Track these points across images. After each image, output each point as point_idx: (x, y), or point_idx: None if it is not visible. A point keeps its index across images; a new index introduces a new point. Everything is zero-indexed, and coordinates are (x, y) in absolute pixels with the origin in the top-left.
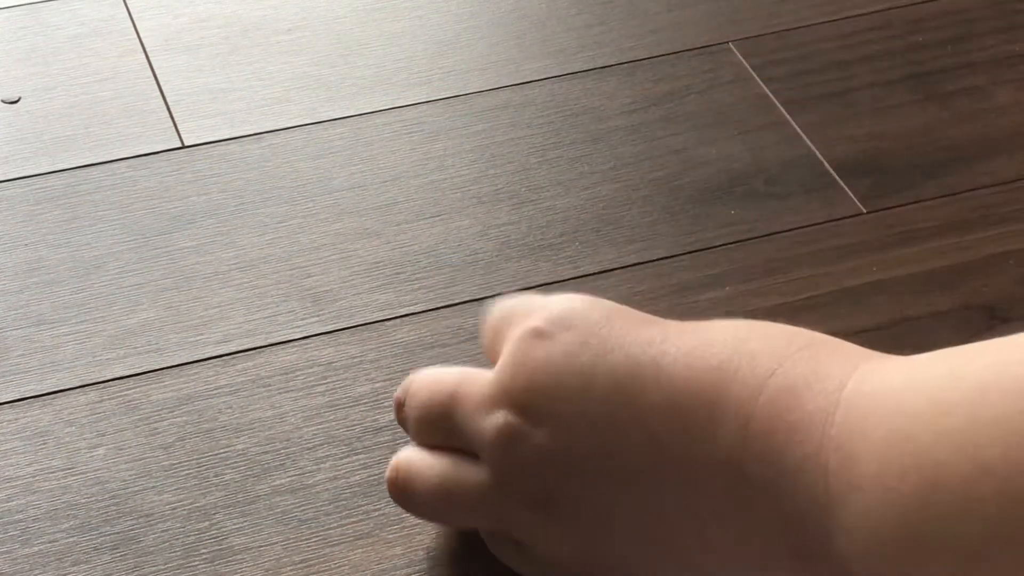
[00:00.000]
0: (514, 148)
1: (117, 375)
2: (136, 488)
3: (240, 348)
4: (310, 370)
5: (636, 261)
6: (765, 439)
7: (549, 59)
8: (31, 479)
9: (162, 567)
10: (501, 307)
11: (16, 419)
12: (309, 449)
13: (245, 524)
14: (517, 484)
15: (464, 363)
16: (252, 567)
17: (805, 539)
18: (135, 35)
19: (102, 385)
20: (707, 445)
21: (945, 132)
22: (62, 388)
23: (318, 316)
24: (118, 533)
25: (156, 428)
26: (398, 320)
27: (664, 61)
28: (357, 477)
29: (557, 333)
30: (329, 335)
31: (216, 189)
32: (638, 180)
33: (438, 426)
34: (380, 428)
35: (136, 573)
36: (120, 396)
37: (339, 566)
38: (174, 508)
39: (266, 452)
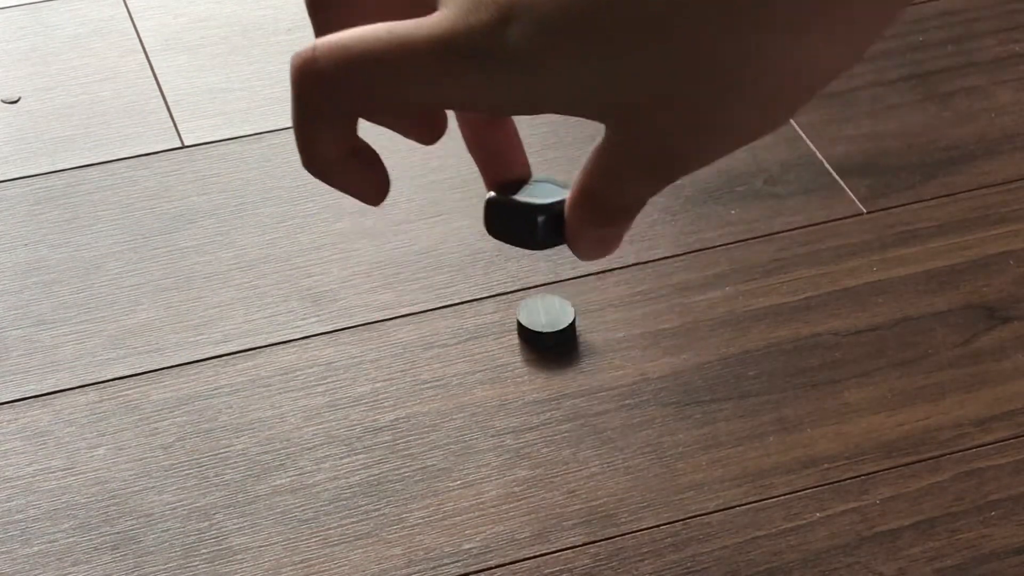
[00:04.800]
0: None
1: (117, 375)
2: (136, 488)
3: (240, 348)
4: (310, 370)
5: (636, 261)
6: None
7: None
8: (31, 479)
9: (162, 567)
10: None
11: (16, 419)
12: (309, 449)
13: (245, 524)
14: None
15: (464, 363)
16: (252, 567)
17: None
18: (135, 35)
19: (102, 385)
20: None
21: (945, 132)
22: (62, 388)
23: (318, 316)
24: (118, 533)
25: (156, 428)
26: (398, 320)
27: None
28: (357, 477)
29: None
30: (329, 335)
31: (216, 189)
32: None
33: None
34: (380, 428)
35: (136, 573)
36: (120, 396)
37: (339, 566)
38: (174, 508)
39: (266, 452)
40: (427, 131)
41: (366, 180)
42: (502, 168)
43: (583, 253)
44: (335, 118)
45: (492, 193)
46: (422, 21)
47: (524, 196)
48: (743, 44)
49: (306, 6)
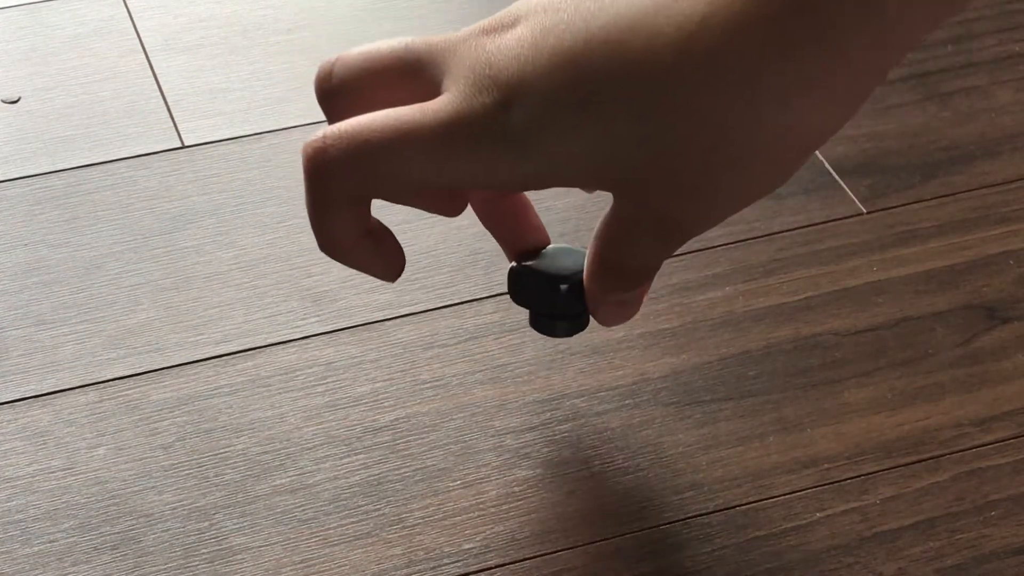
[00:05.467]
0: None
1: (117, 375)
2: (136, 488)
3: (240, 348)
4: (310, 370)
5: None
6: None
7: None
8: (31, 479)
9: (162, 567)
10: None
11: (16, 419)
12: (309, 449)
13: (245, 524)
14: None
15: (464, 363)
16: (252, 567)
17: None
18: (135, 35)
19: (102, 385)
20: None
21: (945, 132)
22: (62, 388)
23: (318, 316)
24: (118, 533)
25: (156, 428)
26: (398, 320)
27: None
28: (357, 477)
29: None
30: (329, 335)
31: (216, 189)
32: None
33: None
34: (380, 428)
35: (136, 573)
36: (120, 396)
37: (339, 566)
38: (174, 508)
39: (266, 452)
40: (449, 205)
41: (381, 259)
42: (519, 238)
43: (605, 319)
44: (347, 203)
45: (514, 263)
46: (426, 106)
47: (545, 265)
48: (735, 116)
49: (316, 95)
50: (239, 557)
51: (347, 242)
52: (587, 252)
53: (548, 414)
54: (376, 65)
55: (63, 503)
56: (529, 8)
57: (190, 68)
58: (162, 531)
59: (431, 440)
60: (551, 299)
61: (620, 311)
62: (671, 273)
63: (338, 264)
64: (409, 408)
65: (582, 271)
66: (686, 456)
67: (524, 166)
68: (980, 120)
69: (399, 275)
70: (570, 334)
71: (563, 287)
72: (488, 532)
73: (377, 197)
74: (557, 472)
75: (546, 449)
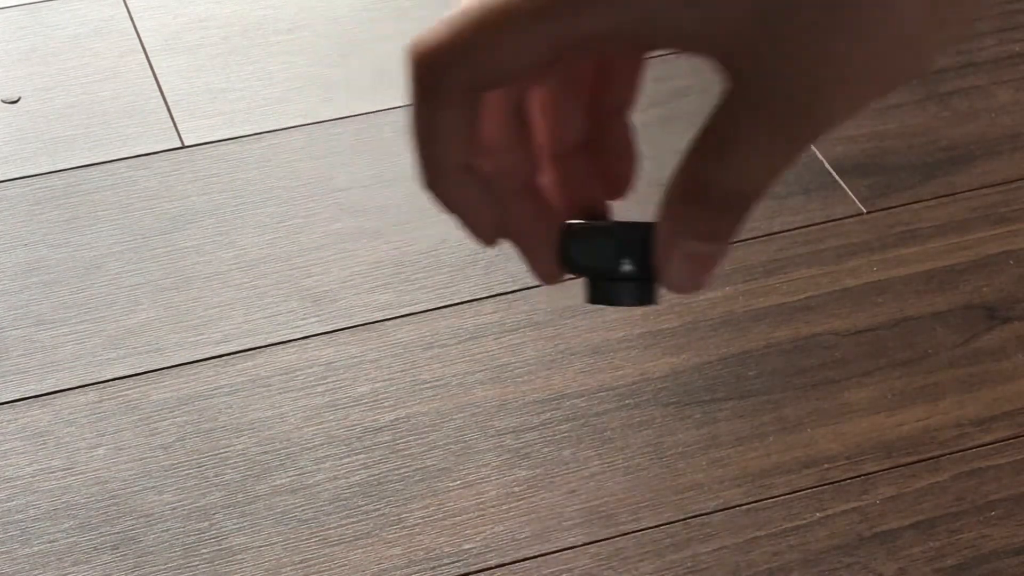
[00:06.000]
0: None
1: (117, 375)
2: (136, 488)
3: (240, 348)
4: (310, 370)
5: None
6: None
7: None
8: (31, 479)
9: (162, 567)
10: None
11: (16, 419)
12: (309, 449)
13: (245, 524)
14: None
15: (464, 363)
16: (252, 567)
17: None
18: (135, 35)
19: (102, 385)
20: None
21: (945, 132)
22: (62, 388)
23: (318, 316)
24: (118, 533)
25: (156, 428)
26: (398, 320)
27: (664, 61)
28: (357, 477)
29: None
30: (329, 335)
31: (216, 189)
32: (638, 180)
33: None
34: (380, 428)
35: (136, 573)
36: (120, 396)
37: (339, 566)
38: (174, 508)
39: (266, 452)
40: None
41: (485, 205)
42: (589, 192)
43: (675, 277)
44: (459, 95)
45: (567, 223)
46: None
47: (605, 222)
48: None
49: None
50: (239, 557)
51: (452, 163)
52: (669, 180)
53: (548, 414)
54: None
55: (63, 503)
56: None
57: (190, 68)
58: (162, 531)
59: (431, 440)
60: (613, 256)
61: (694, 268)
62: None
63: (338, 264)
64: (409, 408)
65: (650, 227)
66: (686, 456)
67: (624, 13)
68: (980, 120)
69: (497, 237)
70: (637, 302)
71: (630, 239)
72: (488, 532)
73: (490, 82)
74: (557, 472)
75: (546, 449)
